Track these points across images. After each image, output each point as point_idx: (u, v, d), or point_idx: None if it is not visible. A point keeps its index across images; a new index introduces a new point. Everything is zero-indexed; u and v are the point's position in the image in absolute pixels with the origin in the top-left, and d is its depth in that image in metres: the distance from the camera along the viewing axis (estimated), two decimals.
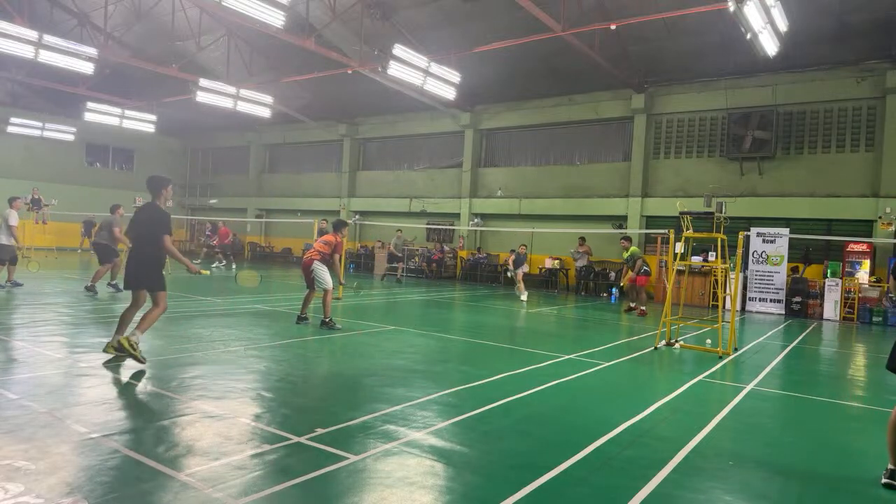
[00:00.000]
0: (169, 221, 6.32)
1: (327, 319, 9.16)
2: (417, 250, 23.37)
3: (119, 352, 5.97)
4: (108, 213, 12.69)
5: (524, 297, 15.77)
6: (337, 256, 9.53)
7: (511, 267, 16.59)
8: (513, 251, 16.68)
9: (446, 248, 23.19)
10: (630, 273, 14.23)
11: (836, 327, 13.82)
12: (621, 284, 16.29)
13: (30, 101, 27.93)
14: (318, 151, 29.49)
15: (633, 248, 14.32)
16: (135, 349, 5.94)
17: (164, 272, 6.47)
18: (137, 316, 6.41)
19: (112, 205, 12.90)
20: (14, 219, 11.95)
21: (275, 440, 4.11)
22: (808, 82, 16.87)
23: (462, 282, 21.80)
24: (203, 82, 20.03)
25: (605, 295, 18.95)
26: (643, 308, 13.82)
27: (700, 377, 7.09)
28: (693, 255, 15.51)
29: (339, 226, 9.85)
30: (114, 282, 12.45)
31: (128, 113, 24.84)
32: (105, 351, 6.07)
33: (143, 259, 6.25)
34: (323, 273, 9.39)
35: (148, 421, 4.43)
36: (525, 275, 16.43)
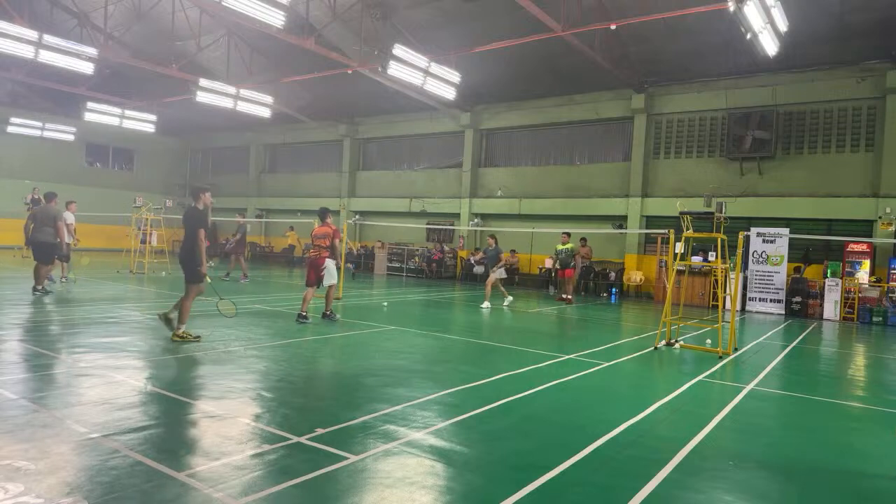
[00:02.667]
0: (205, 218, 7.53)
1: (328, 312, 9.60)
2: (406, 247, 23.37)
3: (166, 322, 7.51)
4: (45, 200, 11.56)
5: (507, 301, 14.06)
6: (338, 241, 9.83)
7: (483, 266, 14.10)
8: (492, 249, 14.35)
9: (446, 248, 23.19)
10: (572, 266, 15.84)
11: (836, 327, 13.81)
12: (554, 273, 16.97)
13: (30, 101, 27.92)
14: (318, 151, 29.48)
15: (570, 244, 15.78)
16: (170, 325, 7.51)
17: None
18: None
19: (48, 192, 11.79)
20: (71, 217, 12.97)
21: (275, 440, 4.12)
22: (808, 82, 16.86)
23: (462, 282, 21.80)
24: (203, 82, 20.04)
25: (604, 295, 18.95)
26: (570, 297, 15.67)
27: (700, 377, 7.09)
28: (693, 255, 15.51)
29: (323, 214, 10.01)
30: (66, 276, 11.94)
31: (128, 113, 24.83)
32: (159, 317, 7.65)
33: (186, 251, 7.49)
34: (332, 268, 9.78)
35: (148, 421, 4.43)
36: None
